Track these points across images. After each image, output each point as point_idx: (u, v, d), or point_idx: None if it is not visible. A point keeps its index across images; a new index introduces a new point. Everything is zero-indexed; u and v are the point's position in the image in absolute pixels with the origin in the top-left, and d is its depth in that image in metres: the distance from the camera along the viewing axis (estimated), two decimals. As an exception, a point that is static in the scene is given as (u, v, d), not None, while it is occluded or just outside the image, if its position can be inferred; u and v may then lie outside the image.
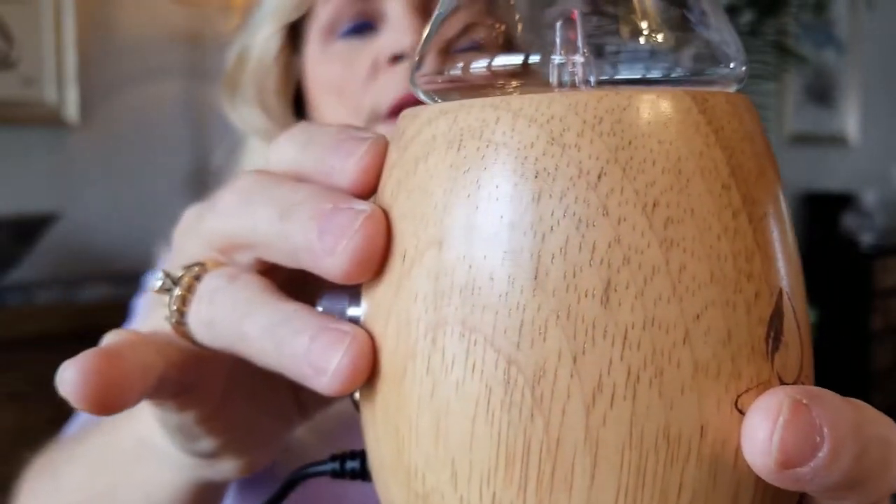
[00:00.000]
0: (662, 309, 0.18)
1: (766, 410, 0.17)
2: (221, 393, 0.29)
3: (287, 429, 0.32)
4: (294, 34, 0.63)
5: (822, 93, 3.97)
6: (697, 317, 0.18)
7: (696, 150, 0.18)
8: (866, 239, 3.77)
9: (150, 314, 0.28)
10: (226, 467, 0.31)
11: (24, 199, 1.79)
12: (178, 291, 0.25)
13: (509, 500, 0.18)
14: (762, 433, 0.17)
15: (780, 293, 0.19)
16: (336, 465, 0.26)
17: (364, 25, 0.59)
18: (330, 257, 0.21)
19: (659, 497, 0.18)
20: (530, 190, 0.18)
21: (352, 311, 0.23)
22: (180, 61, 2.00)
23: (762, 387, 0.18)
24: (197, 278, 0.25)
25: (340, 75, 0.59)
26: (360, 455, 0.26)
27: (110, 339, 0.25)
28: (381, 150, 0.23)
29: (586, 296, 0.18)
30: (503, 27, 0.22)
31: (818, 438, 0.17)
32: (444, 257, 0.19)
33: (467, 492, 0.19)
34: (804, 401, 0.17)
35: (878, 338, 3.72)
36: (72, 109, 1.85)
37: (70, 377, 0.23)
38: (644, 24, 0.21)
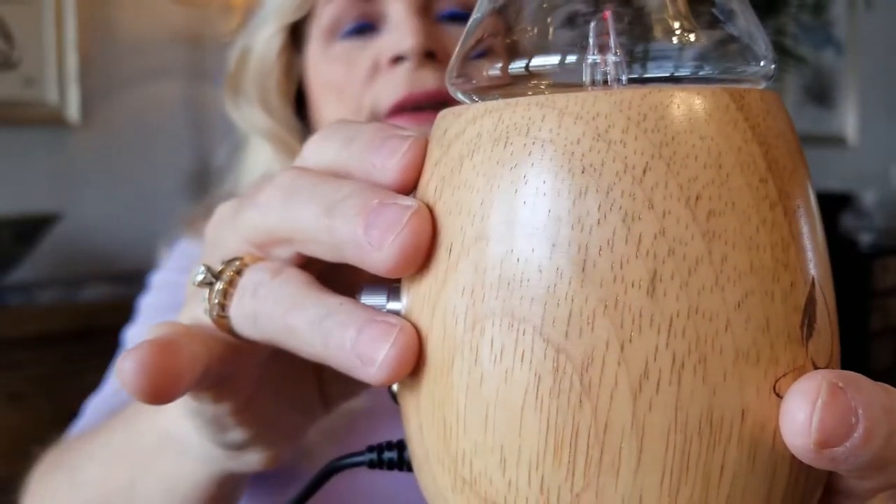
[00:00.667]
0: (706, 298, 0.18)
1: (805, 393, 0.18)
2: (254, 385, 0.29)
3: (310, 422, 0.33)
4: (295, 34, 0.63)
5: (820, 93, 3.97)
6: (738, 305, 0.18)
7: (735, 145, 0.19)
8: (865, 239, 3.77)
9: (186, 307, 0.29)
10: (250, 459, 0.31)
11: (25, 199, 1.79)
12: (220, 285, 0.26)
13: (557, 483, 0.19)
14: (802, 415, 0.18)
15: (813, 282, 0.20)
16: (374, 456, 0.27)
17: (365, 26, 0.59)
18: (378, 252, 0.22)
19: (702, 478, 0.18)
20: (577, 185, 0.19)
21: (391, 306, 0.23)
22: (181, 62, 2.00)
23: (798, 372, 0.19)
24: (238, 272, 0.26)
25: (341, 75, 0.60)
26: (398, 445, 0.26)
27: (162, 330, 0.25)
28: (423, 148, 0.23)
29: (633, 286, 0.18)
30: (536, 29, 0.22)
31: (854, 420, 0.18)
32: (491, 251, 0.20)
33: (515, 476, 0.19)
34: (840, 384, 0.18)
35: (877, 337, 3.72)
36: (73, 110, 1.85)
37: (129, 367, 0.23)
38: (675, 23, 0.21)
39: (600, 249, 0.18)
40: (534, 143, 0.19)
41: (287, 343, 0.24)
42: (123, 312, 0.72)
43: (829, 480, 0.22)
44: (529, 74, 0.22)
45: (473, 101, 0.23)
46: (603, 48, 0.21)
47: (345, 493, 0.48)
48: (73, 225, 1.82)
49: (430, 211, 0.22)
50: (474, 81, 0.23)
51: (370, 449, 0.27)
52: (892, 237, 4.12)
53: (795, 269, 0.19)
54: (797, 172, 0.20)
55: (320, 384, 0.32)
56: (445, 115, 0.22)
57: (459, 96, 0.24)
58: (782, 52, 2.14)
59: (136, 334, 0.65)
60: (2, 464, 1.45)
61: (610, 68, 0.21)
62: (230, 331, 0.26)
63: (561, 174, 0.19)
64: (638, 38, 0.21)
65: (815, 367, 0.20)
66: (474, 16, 0.23)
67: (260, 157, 0.66)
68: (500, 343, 0.19)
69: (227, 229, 0.27)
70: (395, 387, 0.24)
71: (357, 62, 0.59)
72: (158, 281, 0.68)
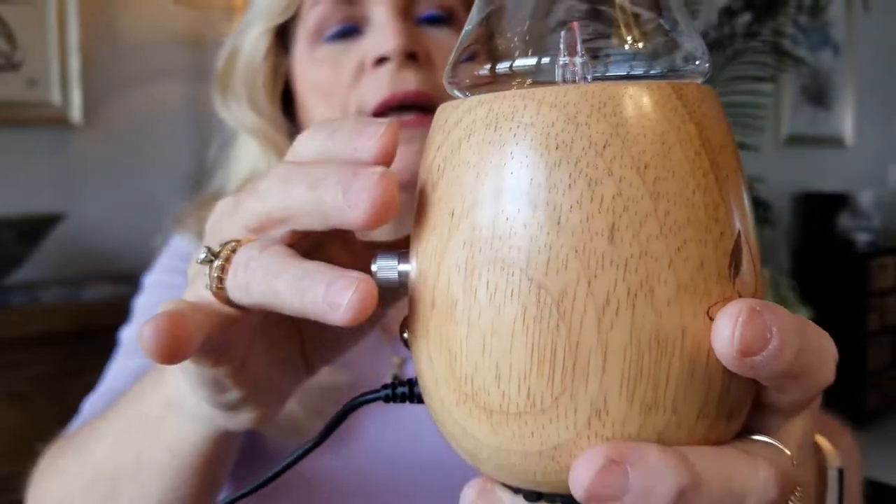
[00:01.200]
0: (653, 244, 0.23)
1: (730, 314, 0.23)
2: (246, 350, 0.33)
3: (295, 383, 0.37)
4: (282, 35, 0.65)
5: (818, 94, 3.99)
6: (678, 249, 0.23)
7: (675, 125, 0.24)
8: (862, 239, 3.78)
9: (191, 286, 0.33)
10: (244, 417, 0.36)
11: (28, 199, 1.80)
12: (218, 262, 0.30)
13: (540, 390, 0.24)
14: (727, 330, 0.23)
15: (739, 234, 0.24)
16: (388, 392, 0.31)
17: (350, 29, 0.62)
18: (355, 210, 0.26)
19: (652, 385, 0.23)
20: (553, 158, 0.23)
21: (402, 267, 0.28)
22: (183, 63, 2.01)
23: (726, 301, 0.24)
24: (233, 251, 0.30)
25: (328, 77, 0.62)
26: (409, 382, 0.31)
27: (170, 305, 0.29)
28: (396, 132, 0.28)
29: (597, 235, 0.23)
30: (518, 37, 0.27)
31: (769, 335, 0.23)
32: (485, 213, 0.24)
33: (508, 387, 0.24)
34: (758, 308, 0.23)
35: (874, 337, 3.74)
36: (75, 111, 1.86)
37: (147, 334, 0.28)
38: (629, 32, 0.26)
39: (571, 207, 0.23)
40: (518, 126, 0.24)
41: (274, 304, 0.28)
42: (125, 312, 0.73)
43: (758, 396, 0.26)
44: (513, 73, 0.27)
45: (467, 96, 0.27)
46: (572, 52, 0.26)
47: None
48: (76, 225, 1.82)
49: (434, 185, 0.26)
50: (468, 80, 0.27)
51: (385, 386, 0.31)
52: (890, 237, 4.13)
53: (724, 223, 0.24)
54: (727, 149, 0.25)
55: (303, 349, 0.37)
56: (445, 107, 0.27)
57: (455, 93, 0.28)
58: (780, 53, 2.15)
59: (132, 334, 0.67)
60: (4, 462, 1.47)
61: (578, 68, 0.26)
62: (227, 301, 0.30)
63: (540, 150, 0.24)
64: (600, 44, 0.26)
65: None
66: (467, 27, 0.28)
67: (248, 153, 0.68)
68: (493, 284, 0.24)
69: (227, 219, 0.32)
70: (405, 335, 0.28)
71: (342, 64, 0.61)
72: (151, 282, 0.70)
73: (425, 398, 0.28)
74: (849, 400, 3.71)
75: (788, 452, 0.26)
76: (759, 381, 0.25)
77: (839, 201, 3.92)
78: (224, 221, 0.32)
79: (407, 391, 0.31)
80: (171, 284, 0.68)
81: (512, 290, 0.24)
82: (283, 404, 0.37)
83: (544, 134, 0.23)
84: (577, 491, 0.23)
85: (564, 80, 0.26)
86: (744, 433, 0.26)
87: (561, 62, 0.26)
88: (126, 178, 1.94)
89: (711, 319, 0.23)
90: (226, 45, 0.68)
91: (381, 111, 0.59)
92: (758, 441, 0.26)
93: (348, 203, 0.26)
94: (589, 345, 0.23)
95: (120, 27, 1.94)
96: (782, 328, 0.23)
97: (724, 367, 0.23)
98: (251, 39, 0.65)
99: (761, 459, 0.25)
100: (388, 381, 0.49)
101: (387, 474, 0.64)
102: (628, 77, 0.26)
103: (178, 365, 0.30)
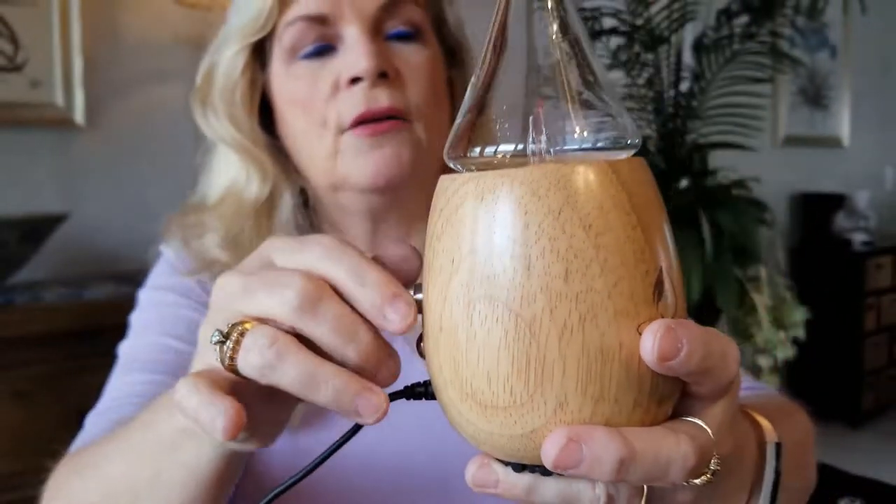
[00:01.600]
0: (596, 282, 0.31)
1: (651, 331, 0.31)
2: (249, 401, 0.38)
3: (289, 413, 0.43)
4: (258, 50, 0.68)
5: (815, 95, 4.00)
6: (615, 284, 0.31)
7: (611, 194, 0.32)
8: (859, 239, 3.80)
9: (201, 356, 0.39)
10: (251, 444, 0.41)
11: (32, 199, 1.81)
12: (229, 344, 0.36)
13: (519, 390, 0.32)
14: (649, 344, 0.31)
15: (661, 270, 0.32)
16: (410, 392, 0.39)
17: (324, 47, 0.66)
18: (362, 414, 0.35)
19: (599, 384, 0.31)
20: (523, 221, 0.32)
21: (416, 297, 0.36)
22: (185, 64, 2.01)
23: (651, 320, 0.32)
24: (242, 335, 0.35)
25: (306, 93, 0.66)
26: (424, 384, 0.38)
27: (207, 383, 0.36)
28: (414, 320, 0.35)
29: (556, 277, 0.31)
30: (499, 121, 0.35)
31: (679, 346, 0.31)
32: (476, 261, 0.33)
33: (496, 388, 0.32)
34: (672, 325, 0.31)
35: (870, 337, 3.75)
36: (78, 111, 1.87)
37: (223, 425, 0.34)
38: (580, 117, 0.34)
39: (537, 257, 0.31)
40: (498, 198, 0.32)
41: (280, 384, 0.35)
42: (128, 311, 0.75)
43: (685, 388, 0.34)
44: (494, 154, 0.35)
45: (461, 170, 0.36)
46: (538, 132, 0.34)
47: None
48: (78, 225, 1.83)
49: (439, 238, 0.34)
50: (461, 157, 0.36)
51: (407, 387, 0.39)
52: (886, 237, 4.15)
53: (649, 262, 0.32)
54: (652, 205, 0.33)
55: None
56: (445, 179, 0.35)
57: (452, 165, 0.36)
58: (778, 55, 2.16)
59: (131, 349, 0.70)
60: (8, 461, 1.48)
61: (543, 145, 0.34)
62: (236, 372, 0.36)
63: (514, 216, 0.32)
64: (558, 126, 0.34)
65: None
66: (459, 116, 0.36)
67: (227, 165, 0.71)
68: (484, 313, 0.32)
69: (237, 301, 0.37)
70: (421, 346, 0.37)
71: (319, 81, 0.65)
72: (145, 300, 0.74)
73: (437, 396, 0.36)
74: (845, 399, 3.73)
75: (708, 429, 0.34)
76: (680, 377, 0.33)
77: (836, 202, 3.94)
78: (233, 303, 0.37)
79: (423, 391, 0.38)
80: (165, 302, 0.71)
81: (497, 318, 0.32)
82: (282, 429, 0.42)
83: (517, 203, 0.32)
84: (547, 462, 0.31)
85: (533, 154, 0.34)
86: (677, 416, 0.34)
87: (531, 141, 0.35)
88: (128, 178, 1.95)
89: (640, 335, 0.32)
90: (204, 61, 0.70)
91: (358, 124, 0.64)
92: (685, 421, 0.34)
93: (355, 408, 0.35)
94: (553, 356, 0.31)
95: (122, 28, 1.95)
96: (690, 339, 0.31)
97: (651, 370, 0.32)
98: (228, 56, 0.68)
99: (684, 435, 0.32)
100: None
101: (364, 466, 0.66)
102: (581, 149, 0.34)
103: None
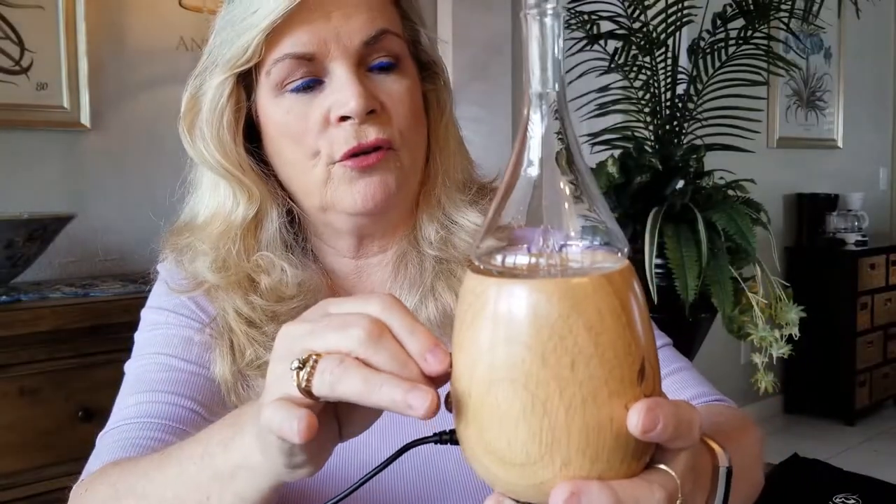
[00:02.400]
0: (595, 371, 0.39)
1: (635, 409, 0.39)
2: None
3: (335, 444, 0.49)
4: (243, 74, 0.70)
5: (810, 97, 4.03)
6: (610, 372, 0.39)
7: (606, 301, 0.39)
8: (852, 239, 3.83)
9: (277, 386, 0.45)
10: (301, 472, 0.47)
11: (39, 200, 1.83)
12: (307, 369, 0.43)
13: (533, 452, 0.39)
14: (634, 420, 0.39)
15: (644, 359, 0.40)
16: (438, 437, 0.46)
17: (312, 82, 0.68)
18: (415, 409, 0.41)
19: (597, 447, 0.39)
20: (539, 323, 0.38)
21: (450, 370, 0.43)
22: (189, 67, 2.02)
23: (636, 399, 0.39)
24: (316, 362, 0.43)
25: (296, 126, 0.69)
26: (450, 433, 0.45)
27: (287, 403, 0.43)
28: (447, 368, 0.42)
29: (564, 367, 0.38)
30: (513, 231, 0.41)
31: (657, 421, 0.39)
32: (499, 350, 0.39)
33: (515, 449, 0.39)
34: (651, 405, 0.39)
35: (863, 335, 3.78)
36: (84, 114, 1.89)
37: (297, 430, 0.41)
38: (581, 228, 0.41)
39: (550, 352, 0.38)
40: (517, 302, 0.39)
41: (357, 399, 0.41)
42: (134, 310, 0.78)
43: (659, 444, 0.42)
44: (515, 262, 0.42)
45: (481, 268, 0.42)
46: (547, 244, 0.41)
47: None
48: (85, 225, 1.85)
49: (469, 326, 0.41)
50: (485, 262, 0.42)
51: (435, 434, 0.46)
52: (879, 238, 4.18)
53: (635, 354, 0.40)
54: (638, 305, 0.40)
55: (338, 421, 0.49)
56: (473, 279, 0.41)
57: (478, 264, 0.42)
58: (773, 58, 2.19)
59: (136, 368, 0.74)
60: (17, 457, 1.49)
61: (554, 258, 0.41)
62: (310, 393, 0.43)
63: (530, 317, 0.38)
64: (565, 235, 0.41)
65: (645, 396, 0.40)
66: (485, 224, 0.42)
67: (216, 188, 0.74)
68: (505, 392, 0.39)
69: (306, 338, 0.44)
70: (449, 401, 0.42)
71: (309, 116, 0.68)
72: (147, 321, 0.77)
73: (462, 449, 0.43)
74: (839, 397, 3.76)
75: (676, 477, 0.42)
76: (658, 441, 0.41)
77: (830, 202, 3.97)
78: (303, 342, 0.44)
79: (448, 438, 0.45)
80: (168, 323, 0.75)
81: (517, 396, 0.39)
82: (326, 460, 0.48)
83: (533, 309, 0.39)
84: None
85: (544, 264, 0.41)
86: (652, 463, 0.43)
87: (543, 254, 0.42)
88: (134, 179, 1.97)
89: (627, 410, 0.39)
90: (188, 87, 0.73)
91: (349, 157, 0.68)
92: (658, 470, 0.42)
93: (408, 403, 0.40)
94: (561, 427, 0.39)
95: (127, 31, 1.96)
96: (665, 415, 0.39)
97: (635, 437, 0.40)
98: (214, 85, 0.70)
99: (657, 484, 0.41)
100: None
101: (355, 474, 0.70)
102: (583, 249, 0.42)
103: (266, 440, 0.45)
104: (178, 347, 0.73)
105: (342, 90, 0.67)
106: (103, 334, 1.52)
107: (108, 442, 0.69)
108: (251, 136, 0.73)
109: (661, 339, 0.79)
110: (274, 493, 0.50)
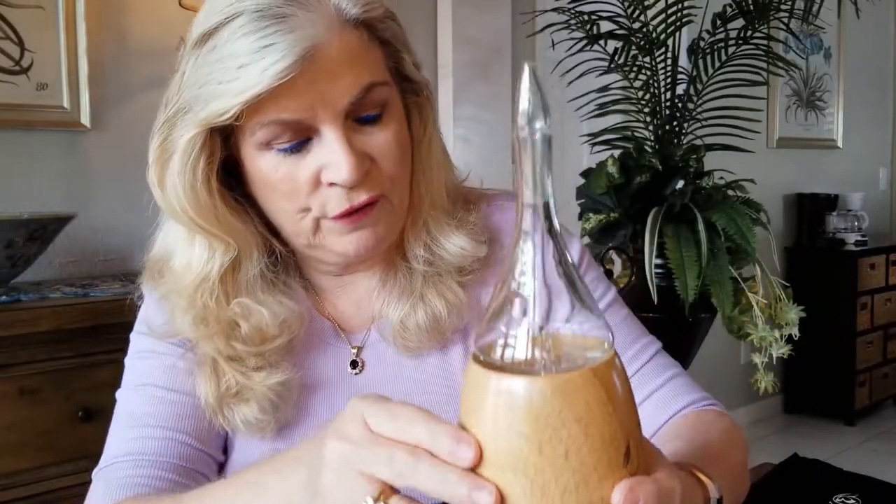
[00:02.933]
0: (585, 458, 0.42)
1: (619, 489, 0.42)
2: None
3: None
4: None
5: (810, 97, 4.04)
6: (598, 459, 0.42)
7: (594, 393, 0.42)
8: (852, 239, 3.83)
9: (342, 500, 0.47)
10: None
11: (39, 200, 1.83)
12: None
13: None
14: (618, 498, 0.42)
15: (629, 443, 0.43)
16: None
17: (301, 142, 0.66)
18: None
19: None
20: (534, 415, 0.42)
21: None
22: (189, 66, 2.03)
23: (622, 478, 0.43)
24: (386, 501, 0.45)
25: (286, 185, 0.67)
26: None
27: None
28: (478, 462, 0.44)
29: (558, 456, 0.42)
30: (510, 335, 0.45)
31: (638, 499, 0.42)
32: (500, 438, 0.43)
33: None
34: (633, 484, 0.42)
35: (863, 335, 3.79)
36: (84, 114, 1.89)
37: None
38: (573, 322, 0.45)
39: (545, 442, 0.42)
40: (518, 397, 0.42)
41: None
42: (132, 310, 0.78)
43: None
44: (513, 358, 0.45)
45: (481, 358, 0.45)
46: (543, 348, 0.44)
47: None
48: (85, 225, 1.85)
49: (472, 421, 0.44)
50: (487, 353, 0.46)
51: None
52: (879, 237, 4.18)
53: (620, 439, 0.43)
54: (624, 392, 0.44)
55: None
56: (476, 372, 0.44)
57: (480, 356, 0.45)
58: (773, 58, 2.19)
59: (126, 401, 0.75)
60: (17, 457, 1.49)
61: (547, 354, 0.44)
62: None
63: (527, 411, 0.42)
64: (558, 328, 0.45)
65: (631, 475, 0.43)
66: (482, 324, 0.46)
67: (191, 242, 0.71)
68: (510, 477, 0.43)
69: (359, 464, 0.46)
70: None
71: (297, 176, 0.66)
72: (135, 348, 0.77)
73: None
74: (839, 397, 3.76)
75: None
76: None
77: (830, 202, 3.97)
78: (355, 465, 0.46)
79: None
80: (151, 351, 0.75)
81: (517, 480, 0.43)
82: None
83: (528, 401, 0.42)
84: None
85: (537, 361, 0.44)
86: None
87: (536, 348, 0.45)
88: (134, 179, 1.94)
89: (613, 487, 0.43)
90: (155, 134, 0.68)
91: (341, 217, 0.68)
92: None
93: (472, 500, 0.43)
94: None
95: (127, 31, 1.96)
96: (646, 493, 0.42)
97: None
98: (186, 139, 0.65)
99: None
100: (348, 369, 0.77)
101: None
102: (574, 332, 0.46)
103: None
104: (164, 377, 0.74)
105: (333, 155, 0.65)
106: (103, 334, 1.52)
107: (103, 481, 0.71)
108: (229, 170, 0.70)
109: (654, 344, 0.80)
110: None
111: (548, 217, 0.45)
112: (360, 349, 0.77)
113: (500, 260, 0.76)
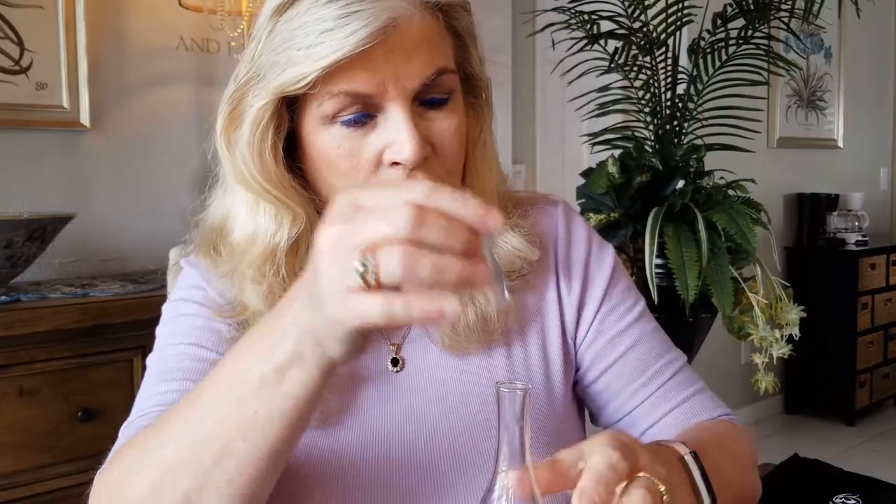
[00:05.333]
0: None
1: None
2: None
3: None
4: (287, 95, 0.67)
5: (810, 97, 4.04)
6: None
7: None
8: (853, 239, 3.83)
9: (338, 283, 0.46)
10: (355, 354, 0.50)
11: (38, 200, 1.83)
12: (372, 269, 0.44)
13: None
14: None
15: None
16: None
17: (364, 116, 0.66)
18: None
19: None
20: None
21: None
22: (189, 67, 2.03)
23: None
24: (375, 257, 0.44)
25: (345, 161, 0.67)
26: None
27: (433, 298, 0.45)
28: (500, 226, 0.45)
29: None
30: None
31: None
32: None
33: None
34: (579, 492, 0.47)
35: (864, 335, 3.79)
36: (84, 114, 1.89)
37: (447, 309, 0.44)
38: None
39: None
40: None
41: (422, 276, 0.43)
42: (133, 310, 0.77)
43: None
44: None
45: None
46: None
47: None
48: (84, 225, 1.85)
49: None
50: None
51: None
52: (880, 237, 4.18)
53: None
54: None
55: None
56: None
57: None
58: (774, 57, 2.19)
59: (159, 359, 0.73)
60: (17, 457, 1.49)
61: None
62: (380, 285, 0.44)
63: None
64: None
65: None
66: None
67: (257, 210, 0.71)
68: None
69: (354, 239, 0.45)
70: None
71: (359, 153, 0.66)
72: (170, 313, 0.76)
73: None
74: (840, 397, 3.76)
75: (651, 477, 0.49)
76: None
77: (830, 202, 3.97)
78: (349, 240, 0.45)
79: None
80: (189, 313, 0.74)
81: None
82: (365, 348, 0.51)
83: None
84: None
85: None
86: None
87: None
88: (133, 179, 1.97)
89: None
90: (227, 98, 0.69)
91: None
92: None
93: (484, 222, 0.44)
94: None
95: (127, 31, 1.97)
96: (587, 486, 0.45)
97: None
98: (258, 106, 0.66)
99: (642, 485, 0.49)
100: (389, 366, 0.75)
101: (377, 453, 0.70)
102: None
103: (333, 332, 0.48)
104: (204, 338, 0.71)
105: (398, 134, 0.65)
106: (103, 334, 1.52)
107: (130, 432, 0.67)
108: (289, 147, 0.71)
109: (679, 359, 0.80)
110: (325, 382, 0.51)
111: (523, 460, 0.49)
112: (399, 346, 0.76)
113: (548, 267, 0.77)
